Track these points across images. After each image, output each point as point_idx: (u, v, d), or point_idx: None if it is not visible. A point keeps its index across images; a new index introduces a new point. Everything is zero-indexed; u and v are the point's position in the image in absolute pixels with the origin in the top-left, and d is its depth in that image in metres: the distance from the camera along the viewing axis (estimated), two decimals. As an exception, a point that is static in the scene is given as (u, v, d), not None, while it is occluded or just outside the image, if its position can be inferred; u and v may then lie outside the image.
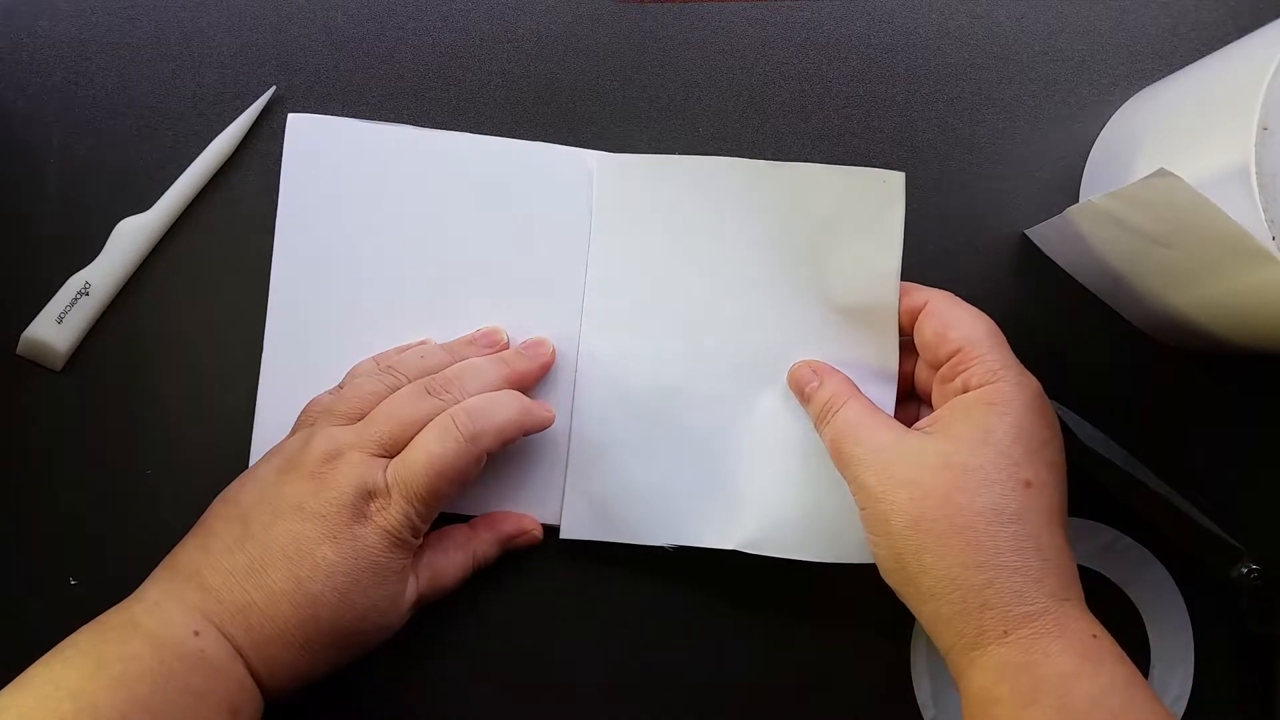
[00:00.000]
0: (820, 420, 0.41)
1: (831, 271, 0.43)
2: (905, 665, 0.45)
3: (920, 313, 0.41)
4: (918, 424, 0.40)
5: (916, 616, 0.38)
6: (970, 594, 0.36)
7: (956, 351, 0.39)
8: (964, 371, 0.39)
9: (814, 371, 0.43)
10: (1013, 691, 0.35)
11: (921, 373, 0.43)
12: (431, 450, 0.39)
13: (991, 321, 0.40)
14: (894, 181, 0.42)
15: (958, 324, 0.40)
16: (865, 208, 0.42)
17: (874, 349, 0.43)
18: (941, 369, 0.40)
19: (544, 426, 0.43)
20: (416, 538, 0.40)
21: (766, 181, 0.44)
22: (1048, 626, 0.35)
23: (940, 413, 0.39)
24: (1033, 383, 0.39)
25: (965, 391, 0.39)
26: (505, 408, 0.41)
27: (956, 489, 0.36)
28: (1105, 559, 0.45)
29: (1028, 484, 0.37)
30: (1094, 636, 0.35)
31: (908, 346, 0.43)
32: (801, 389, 0.43)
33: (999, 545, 0.36)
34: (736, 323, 0.44)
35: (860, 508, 0.39)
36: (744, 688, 0.45)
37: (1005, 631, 0.35)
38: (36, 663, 0.36)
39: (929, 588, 0.37)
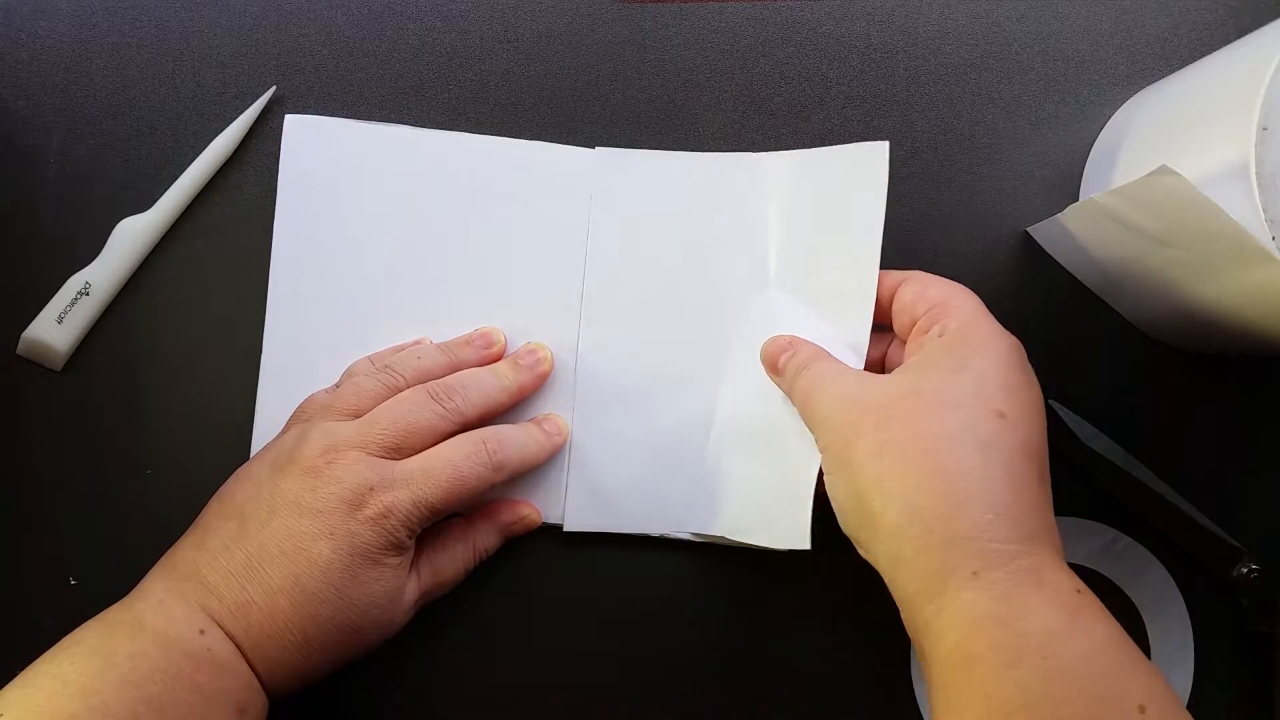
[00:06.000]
0: (793, 383, 0.40)
1: (820, 251, 0.43)
2: (905, 665, 0.45)
3: (900, 286, 0.40)
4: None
5: (877, 567, 0.36)
6: (936, 524, 0.33)
7: (936, 305, 0.38)
8: (942, 319, 0.38)
9: (789, 343, 0.42)
10: (992, 649, 0.31)
11: (894, 354, 0.42)
12: (458, 466, 0.40)
13: (960, 285, 0.39)
14: (877, 150, 0.41)
15: (937, 284, 0.39)
16: (851, 181, 0.42)
17: (851, 324, 0.42)
18: (919, 321, 0.39)
19: (553, 455, 0.45)
20: (411, 539, 0.40)
21: (763, 173, 0.44)
22: (1023, 574, 0.32)
23: (914, 355, 0.38)
24: (1012, 337, 0.37)
25: (942, 336, 0.38)
26: (532, 443, 0.43)
27: (923, 412, 0.35)
28: (1105, 559, 0.45)
29: (1001, 415, 0.34)
30: (1078, 591, 0.33)
31: (882, 331, 0.42)
32: (775, 362, 0.42)
33: (967, 471, 0.33)
34: (735, 313, 0.45)
35: (823, 449, 0.38)
36: (743, 687, 0.45)
37: (975, 573, 0.32)
38: (40, 659, 0.35)
39: (891, 523, 0.34)
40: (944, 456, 0.34)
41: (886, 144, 0.41)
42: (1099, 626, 0.32)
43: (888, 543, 0.34)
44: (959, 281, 0.40)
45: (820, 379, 0.39)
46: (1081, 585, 0.33)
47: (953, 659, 0.32)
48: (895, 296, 0.41)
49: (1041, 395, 0.37)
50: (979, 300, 0.39)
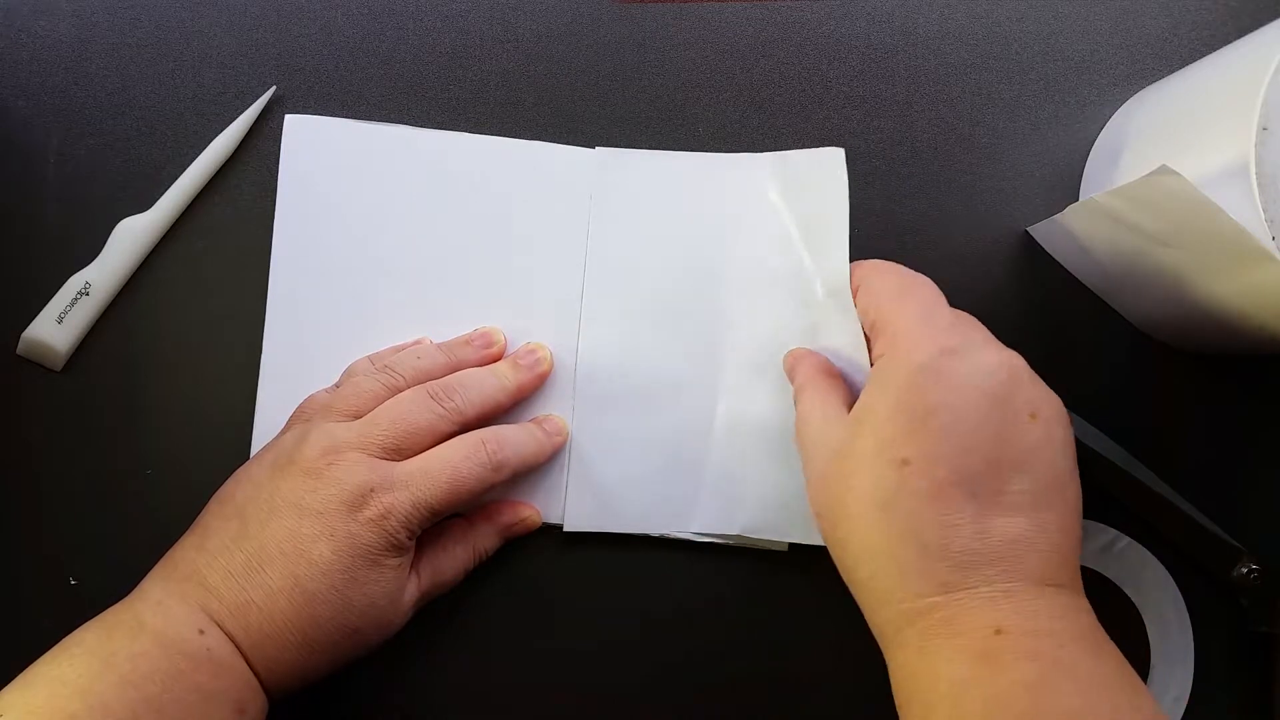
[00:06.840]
0: (796, 404, 0.41)
1: (811, 251, 0.43)
2: (905, 665, 0.45)
3: (857, 291, 0.40)
4: None
5: None
6: (862, 591, 0.35)
7: (875, 323, 0.38)
8: (876, 341, 0.37)
9: (795, 360, 0.42)
10: (915, 701, 0.33)
11: None
12: (458, 467, 0.40)
13: (906, 280, 0.37)
14: (833, 158, 0.42)
15: (875, 292, 0.38)
16: (820, 184, 0.43)
17: (845, 331, 0.41)
18: (872, 341, 0.39)
19: (553, 455, 0.44)
20: (411, 540, 0.40)
21: (758, 173, 0.45)
22: (935, 625, 0.32)
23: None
24: (929, 344, 0.35)
25: (872, 367, 0.37)
26: (532, 443, 0.43)
27: (846, 476, 0.35)
28: (1105, 559, 0.45)
29: (905, 462, 0.33)
30: (997, 632, 0.31)
31: None
32: (790, 376, 0.43)
33: (876, 535, 0.34)
34: (733, 313, 0.45)
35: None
36: (743, 687, 0.45)
37: (898, 630, 0.33)
38: (40, 660, 0.35)
39: (850, 581, 0.36)
40: (855, 522, 0.35)
41: (841, 151, 0.42)
42: (1010, 670, 0.31)
43: (852, 590, 0.37)
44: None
45: (800, 423, 0.40)
46: (1012, 621, 0.31)
47: (899, 702, 0.34)
48: (856, 302, 0.40)
49: (981, 397, 0.34)
50: (909, 295, 0.37)
